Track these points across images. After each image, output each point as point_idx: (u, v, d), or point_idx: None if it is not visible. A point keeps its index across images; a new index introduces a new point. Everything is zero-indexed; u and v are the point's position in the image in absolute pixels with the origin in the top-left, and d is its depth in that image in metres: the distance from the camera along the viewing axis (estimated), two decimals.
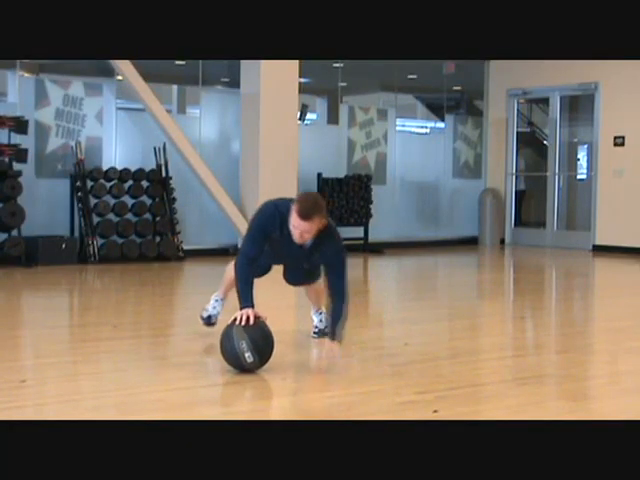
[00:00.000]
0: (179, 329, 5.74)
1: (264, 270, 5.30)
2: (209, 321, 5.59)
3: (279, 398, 4.41)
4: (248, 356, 4.54)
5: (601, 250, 13.01)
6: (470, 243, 14.35)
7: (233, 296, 5.55)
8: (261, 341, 4.59)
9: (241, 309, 4.64)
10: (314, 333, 5.60)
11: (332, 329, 4.80)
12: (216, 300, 5.62)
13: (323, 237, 4.73)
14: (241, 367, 4.58)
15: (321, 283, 5.40)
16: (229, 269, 5.41)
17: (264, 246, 4.81)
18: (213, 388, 4.49)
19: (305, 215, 4.56)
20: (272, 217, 4.76)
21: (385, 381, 4.62)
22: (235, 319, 4.61)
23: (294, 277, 5.37)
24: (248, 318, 4.58)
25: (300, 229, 4.60)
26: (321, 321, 5.60)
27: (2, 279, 8.90)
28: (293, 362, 5.26)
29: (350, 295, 4.93)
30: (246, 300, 4.68)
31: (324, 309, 5.58)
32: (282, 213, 4.72)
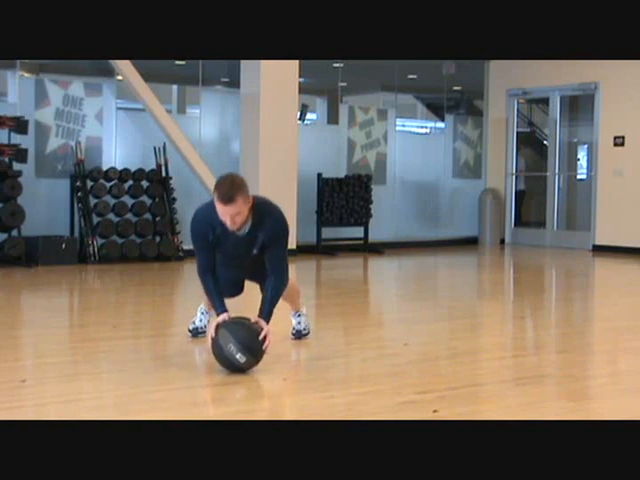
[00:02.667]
0: (179, 329, 5.74)
1: (235, 286, 5.20)
2: (196, 333, 5.57)
3: (279, 398, 4.42)
4: (239, 357, 4.54)
5: (601, 250, 13.01)
6: (470, 243, 14.35)
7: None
8: (248, 339, 4.58)
9: (217, 315, 4.73)
10: (292, 334, 5.58)
11: (262, 308, 4.74)
12: (202, 313, 5.61)
13: (258, 216, 4.67)
14: (237, 369, 4.58)
15: (292, 283, 5.36)
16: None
17: (212, 251, 4.78)
18: (213, 388, 4.49)
19: (227, 199, 4.46)
20: (200, 222, 4.73)
21: (385, 381, 4.62)
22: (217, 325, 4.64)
23: (263, 277, 5.01)
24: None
25: (228, 214, 4.51)
26: (299, 323, 5.57)
27: (2, 279, 8.90)
28: (293, 362, 5.27)
29: (289, 276, 4.90)
30: (219, 308, 4.73)
31: (303, 310, 5.59)
32: (209, 213, 4.66)
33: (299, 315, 5.57)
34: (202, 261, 4.81)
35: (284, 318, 5.62)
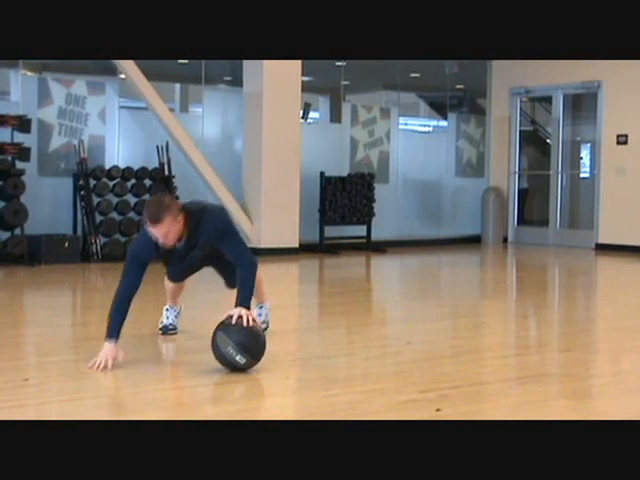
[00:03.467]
0: (180, 328, 5.74)
1: (184, 274, 5.36)
2: (166, 331, 5.63)
3: (281, 397, 4.41)
4: (239, 359, 4.54)
5: (604, 249, 13.00)
6: (473, 242, 14.34)
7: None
8: (246, 339, 4.58)
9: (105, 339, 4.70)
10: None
11: (239, 296, 4.73)
12: (167, 310, 5.68)
13: (193, 225, 4.74)
14: (237, 369, 4.58)
15: (258, 273, 5.34)
16: (165, 282, 5.59)
17: (142, 273, 4.79)
18: (214, 387, 4.49)
19: (154, 220, 4.55)
20: (140, 246, 4.78)
21: (388, 380, 4.63)
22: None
23: (220, 267, 5.28)
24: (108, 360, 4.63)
25: (159, 234, 4.60)
26: (260, 315, 5.54)
27: (5, 278, 8.91)
28: (296, 361, 5.26)
29: (255, 263, 4.87)
30: (113, 333, 4.70)
31: (267, 304, 5.60)
32: (148, 236, 4.72)
33: (261, 307, 5.59)
34: (125, 284, 4.78)
35: (285, 317, 5.63)
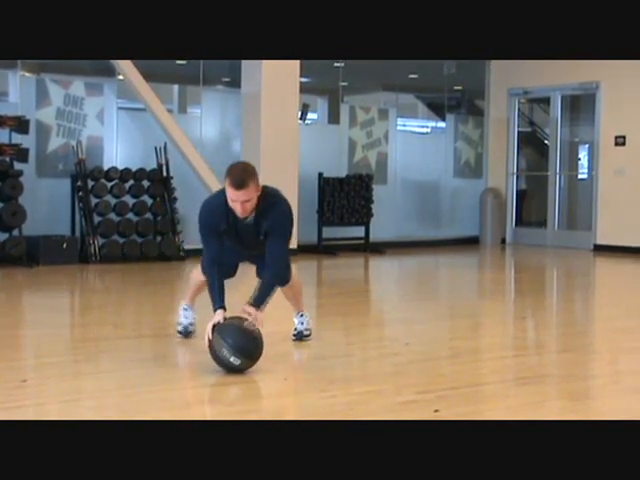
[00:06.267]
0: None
1: (229, 270, 5.19)
2: (186, 332, 5.54)
3: (280, 398, 4.41)
4: (234, 360, 4.53)
5: (602, 250, 13.00)
6: (471, 243, 14.34)
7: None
8: (240, 340, 4.57)
9: (214, 312, 4.70)
10: (293, 335, 5.50)
11: (255, 295, 4.72)
12: (184, 309, 5.58)
13: (265, 205, 4.72)
14: (235, 370, 4.58)
15: (296, 281, 5.36)
16: (193, 275, 5.47)
17: (221, 241, 4.80)
18: (213, 388, 4.49)
19: (239, 184, 4.53)
20: (211, 212, 4.76)
21: (386, 381, 4.62)
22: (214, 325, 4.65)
23: (263, 261, 5.09)
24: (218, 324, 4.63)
25: (239, 200, 4.57)
26: (302, 324, 5.50)
27: (3, 279, 8.90)
28: (294, 362, 5.26)
29: (287, 277, 4.90)
30: (218, 302, 4.71)
31: (305, 311, 5.54)
32: (219, 202, 4.72)
33: (302, 315, 5.52)
34: (210, 252, 4.82)
35: (286, 319, 5.62)
